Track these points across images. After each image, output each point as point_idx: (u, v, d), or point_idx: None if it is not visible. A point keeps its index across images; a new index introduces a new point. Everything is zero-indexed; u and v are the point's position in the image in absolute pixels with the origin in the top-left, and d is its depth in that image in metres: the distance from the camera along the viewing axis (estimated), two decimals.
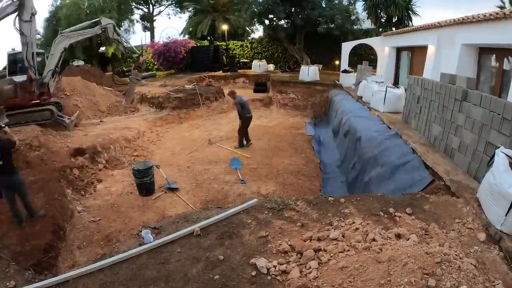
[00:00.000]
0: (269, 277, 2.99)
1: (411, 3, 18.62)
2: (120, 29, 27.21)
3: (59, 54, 10.19)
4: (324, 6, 19.84)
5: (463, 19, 7.70)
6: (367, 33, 20.08)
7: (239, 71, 22.07)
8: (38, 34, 27.75)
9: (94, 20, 10.74)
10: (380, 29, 18.67)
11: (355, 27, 20.67)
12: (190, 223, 3.96)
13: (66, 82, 13.92)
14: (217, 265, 3.15)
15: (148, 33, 32.73)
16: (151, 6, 32.15)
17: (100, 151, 9.39)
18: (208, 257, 3.24)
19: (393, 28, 17.70)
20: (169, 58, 22.78)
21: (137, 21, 31.69)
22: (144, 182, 7.33)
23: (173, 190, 7.61)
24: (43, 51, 13.17)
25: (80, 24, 10.91)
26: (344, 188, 7.98)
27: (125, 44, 11.78)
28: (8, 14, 9.03)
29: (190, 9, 29.40)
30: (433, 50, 9.59)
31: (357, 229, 3.60)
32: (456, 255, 2.97)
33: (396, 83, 12.99)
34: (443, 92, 6.04)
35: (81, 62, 23.50)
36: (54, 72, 10.36)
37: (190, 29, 28.15)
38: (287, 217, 3.99)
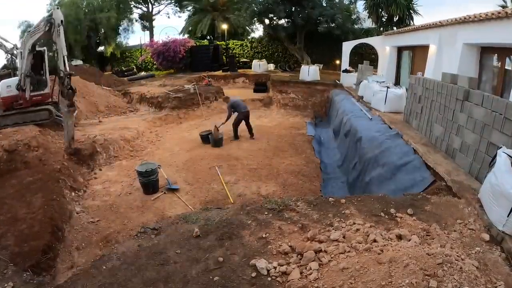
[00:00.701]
0: (269, 279, 2.99)
1: (412, 2, 18.61)
2: (118, 28, 27.38)
3: (27, 55, 9.45)
4: (325, 5, 19.85)
5: (465, 18, 7.71)
6: (368, 33, 20.08)
7: (239, 70, 22.08)
8: None
9: (46, 15, 8.86)
10: (381, 29, 18.67)
11: (355, 26, 20.69)
12: (189, 224, 3.96)
13: None
14: (217, 266, 3.15)
15: (147, 33, 32.75)
16: (150, 5, 32.15)
17: (99, 151, 9.40)
18: (207, 258, 3.24)
19: (394, 28, 17.69)
20: (169, 58, 22.79)
21: (136, 20, 31.70)
22: (151, 180, 7.45)
23: (173, 190, 7.62)
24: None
25: (40, 19, 9.24)
26: (344, 189, 7.98)
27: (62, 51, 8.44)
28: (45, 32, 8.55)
29: (189, 8, 29.42)
30: (434, 49, 9.59)
31: (358, 230, 3.60)
32: (457, 256, 2.97)
33: (397, 83, 13.00)
34: (445, 92, 6.05)
35: (79, 62, 23.52)
36: (26, 75, 9.62)
37: (190, 28, 28.15)
38: (287, 218, 3.99)
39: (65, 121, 8.44)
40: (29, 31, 9.61)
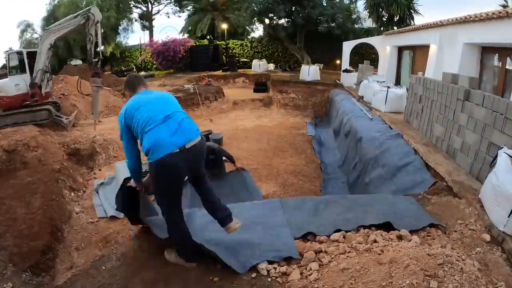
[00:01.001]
0: (269, 279, 2.99)
1: (413, 2, 18.64)
2: (118, 28, 27.43)
3: (46, 52, 9.94)
4: (325, 5, 19.86)
5: (466, 18, 7.71)
6: (368, 32, 20.09)
7: (239, 70, 22.09)
8: (36, 33, 27.81)
9: (82, 11, 9.84)
10: (382, 28, 18.69)
11: (356, 26, 20.72)
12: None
13: (63, 81, 13.92)
14: (217, 267, 3.15)
15: (147, 32, 32.77)
16: (149, 5, 32.16)
17: (98, 151, 9.40)
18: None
19: (395, 27, 17.71)
20: (168, 58, 22.80)
21: (136, 20, 31.72)
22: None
23: None
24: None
25: (65, 17, 10.35)
26: (345, 189, 7.99)
27: (96, 46, 10.06)
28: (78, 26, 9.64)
29: (189, 7, 29.42)
30: (435, 49, 9.59)
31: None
32: (458, 256, 2.97)
33: (397, 83, 13.00)
34: (445, 92, 6.05)
35: (79, 61, 23.51)
36: (44, 71, 10.17)
37: (189, 28, 28.16)
38: None
39: (95, 95, 10.30)
40: (46, 29, 10.11)
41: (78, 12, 9.78)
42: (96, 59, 9.95)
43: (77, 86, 11.47)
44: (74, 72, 18.35)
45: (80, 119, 12.54)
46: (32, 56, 10.35)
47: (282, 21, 21.56)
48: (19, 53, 10.33)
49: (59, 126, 10.44)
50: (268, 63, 22.60)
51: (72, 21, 9.73)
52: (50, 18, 26.31)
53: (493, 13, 6.64)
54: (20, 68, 10.23)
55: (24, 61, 10.21)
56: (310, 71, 17.40)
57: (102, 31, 26.03)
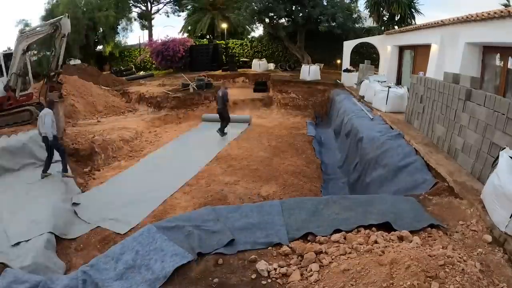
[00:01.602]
0: (269, 280, 2.99)
1: (414, 1, 18.62)
2: (117, 27, 27.38)
3: (20, 56, 9.75)
4: (326, 4, 19.83)
5: (467, 17, 7.71)
6: (369, 32, 20.07)
7: (238, 70, 22.07)
8: None
9: (54, 19, 9.73)
10: (383, 28, 18.68)
11: (357, 25, 20.66)
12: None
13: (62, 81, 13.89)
14: (217, 268, 3.15)
15: (146, 32, 32.73)
16: (149, 4, 32.12)
17: (97, 152, 9.41)
18: (207, 260, 3.24)
19: (396, 27, 17.70)
20: (168, 57, 22.77)
21: (135, 19, 31.66)
22: None
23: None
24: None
25: (40, 23, 10.50)
26: (345, 189, 7.99)
27: (58, 60, 9.68)
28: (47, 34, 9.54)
29: (188, 7, 29.37)
30: (436, 49, 9.59)
31: (358, 231, 3.60)
32: (459, 257, 2.97)
33: (398, 83, 13.00)
34: (447, 92, 6.05)
35: (77, 61, 23.49)
36: (17, 75, 9.95)
37: (189, 27, 28.12)
38: None
39: (56, 112, 9.05)
40: (23, 33, 9.89)
41: (50, 20, 9.73)
42: (54, 73, 9.69)
43: (39, 94, 10.93)
44: (73, 72, 18.36)
45: (78, 119, 12.56)
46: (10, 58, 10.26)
47: (282, 20, 21.56)
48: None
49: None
50: (268, 62, 22.58)
51: (43, 29, 9.68)
52: (49, 17, 26.26)
53: (495, 13, 6.63)
54: None
55: (0, 63, 10.05)
56: (310, 71, 17.40)
57: (101, 30, 26.12)
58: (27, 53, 10.23)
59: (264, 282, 2.97)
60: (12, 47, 10.95)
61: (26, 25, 27.34)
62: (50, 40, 9.59)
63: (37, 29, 9.88)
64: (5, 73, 10.13)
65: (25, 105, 10.55)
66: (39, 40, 10.09)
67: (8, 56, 10.31)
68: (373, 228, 3.61)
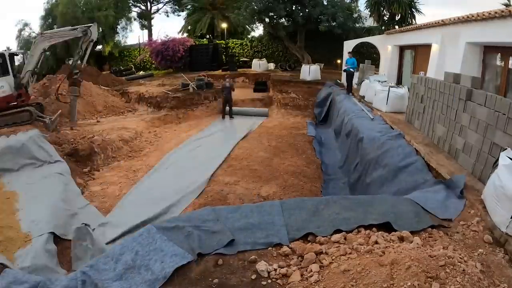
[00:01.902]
0: (269, 281, 2.99)
1: (414, 1, 18.63)
2: (117, 27, 27.40)
3: (39, 55, 10.17)
4: (326, 3, 19.84)
5: (468, 17, 7.71)
6: (369, 32, 20.08)
7: (238, 70, 22.09)
8: (34, 32, 27.79)
9: (83, 26, 10.58)
10: (383, 27, 18.69)
11: (357, 25, 20.68)
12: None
13: (62, 81, 13.87)
14: (216, 269, 3.15)
15: (145, 31, 32.75)
16: (148, 4, 32.14)
17: (97, 152, 9.41)
18: (207, 261, 3.24)
19: (396, 26, 17.71)
20: (167, 57, 22.78)
21: (135, 19, 31.67)
22: None
23: None
24: (22, 51, 13.15)
25: (63, 28, 11.20)
26: (345, 190, 7.99)
27: (82, 61, 11.02)
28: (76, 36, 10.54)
29: (188, 7, 29.39)
30: (437, 48, 9.60)
31: (359, 231, 3.60)
32: (460, 258, 2.97)
33: (399, 83, 13.00)
34: (447, 92, 6.05)
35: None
36: (33, 73, 10.45)
37: (189, 27, 28.13)
38: None
39: (73, 103, 11.06)
40: (42, 34, 10.48)
41: (78, 26, 10.51)
42: (78, 71, 10.80)
43: (55, 94, 11.97)
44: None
45: (78, 119, 12.55)
46: (13, 58, 10.56)
47: (283, 20, 21.55)
48: (1, 55, 10.22)
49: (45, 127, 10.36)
50: (268, 62, 22.60)
51: (71, 33, 10.45)
52: (48, 17, 26.29)
53: (496, 12, 6.63)
54: (2, 71, 10.13)
55: (6, 63, 10.15)
56: (310, 71, 17.41)
57: (101, 30, 26.14)
58: (46, 53, 10.88)
59: (264, 283, 2.97)
60: (12, 47, 11.13)
61: (25, 24, 27.34)
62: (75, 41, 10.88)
63: (62, 32, 10.58)
64: (11, 72, 10.24)
65: (30, 104, 10.73)
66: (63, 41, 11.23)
67: (11, 56, 10.50)
68: (374, 229, 3.61)
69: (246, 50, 25.94)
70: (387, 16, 19.32)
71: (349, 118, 10.07)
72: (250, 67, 22.41)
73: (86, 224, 5.05)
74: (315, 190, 7.84)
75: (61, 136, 9.78)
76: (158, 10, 33.20)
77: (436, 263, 2.76)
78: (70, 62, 22.99)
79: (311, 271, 3.02)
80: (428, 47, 10.25)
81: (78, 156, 9.05)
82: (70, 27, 10.83)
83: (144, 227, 3.77)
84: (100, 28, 25.83)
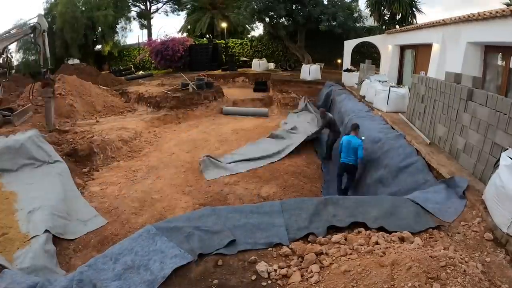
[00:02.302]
0: (269, 282, 2.99)
1: (415, 0, 18.64)
2: (116, 27, 27.42)
3: None
4: (326, 3, 19.85)
5: (469, 16, 7.71)
6: (370, 31, 20.09)
7: (238, 69, 22.11)
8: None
9: (29, 20, 10.00)
10: (384, 27, 18.70)
11: (357, 24, 20.68)
12: None
13: (61, 81, 13.91)
14: (216, 269, 3.15)
15: (145, 31, 32.77)
16: (148, 3, 32.16)
17: (96, 152, 9.41)
18: (206, 261, 3.24)
19: (397, 26, 17.72)
20: (167, 57, 22.80)
21: (134, 19, 31.68)
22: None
23: None
24: None
25: (15, 24, 10.58)
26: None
27: (45, 56, 9.97)
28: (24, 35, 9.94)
29: (188, 6, 29.42)
30: (437, 48, 9.60)
31: (359, 232, 3.60)
32: (461, 258, 2.97)
33: (399, 82, 13.01)
34: (448, 92, 6.05)
35: (76, 61, 23.49)
36: None
37: (188, 27, 28.16)
38: None
39: (47, 106, 10.17)
40: None
41: (26, 23, 9.97)
42: (45, 69, 10.01)
43: (28, 94, 11.34)
44: (72, 71, 18.38)
45: (77, 119, 12.56)
46: None
47: (283, 19, 21.56)
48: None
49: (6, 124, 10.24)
50: (268, 62, 22.61)
51: (19, 32, 9.87)
52: (48, 16, 26.29)
53: (497, 12, 6.63)
54: None
55: None
56: (311, 71, 17.41)
57: (100, 29, 26.17)
58: (2, 56, 10.41)
59: (264, 284, 2.97)
60: (10, 47, 10.96)
61: (25, 24, 27.38)
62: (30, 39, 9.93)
63: (12, 31, 9.92)
64: None
65: None
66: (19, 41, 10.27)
67: None
68: (374, 229, 3.62)
69: (246, 50, 25.95)
70: (388, 15, 19.34)
71: (349, 118, 10.07)
72: (250, 67, 22.42)
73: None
74: (315, 190, 7.84)
75: (61, 136, 9.79)
76: (157, 9, 33.23)
77: (437, 264, 2.76)
78: (70, 61, 23.13)
79: (312, 271, 3.02)
80: (429, 46, 10.25)
81: (77, 156, 9.04)
82: (21, 23, 10.28)
83: (144, 228, 3.78)
84: (100, 27, 25.90)
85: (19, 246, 5.28)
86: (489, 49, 7.75)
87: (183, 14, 31.05)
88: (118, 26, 27.84)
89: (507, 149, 3.96)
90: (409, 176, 5.73)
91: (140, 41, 29.59)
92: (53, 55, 24.44)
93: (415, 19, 18.65)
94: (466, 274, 2.71)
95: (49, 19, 25.96)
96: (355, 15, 20.36)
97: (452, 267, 2.74)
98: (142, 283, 2.97)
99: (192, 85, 15.91)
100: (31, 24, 9.59)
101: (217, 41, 26.08)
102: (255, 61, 22.08)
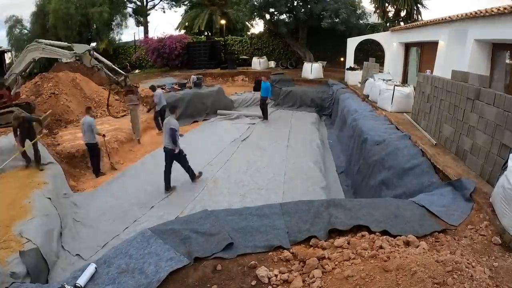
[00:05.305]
0: (270, 287, 2.99)
1: None
2: (111, 24, 27.46)
3: (27, 63, 9.89)
4: None
5: (476, 13, 7.72)
6: (373, 28, 20.15)
7: (238, 68, 22.14)
8: (25, 29, 27.82)
9: (74, 52, 9.93)
10: (388, 24, 18.74)
11: (361, 21, 20.71)
12: None
13: (53, 80, 13.89)
14: (215, 274, 3.15)
15: (141, 28, 32.83)
16: (144, 0, 32.23)
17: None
18: (205, 266, 3.24)
19: (402, 23, 17.76)
20: (164, 55, 22.83)
21: (130, 15, 31.73)
22: None
23: None
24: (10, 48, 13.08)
25: (59, 42, 10.65)
26: (349, 192, 7.99)
27: (109, 68, 10.54)
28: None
29: (186, 2, 29.49)
30: (443, 46, 9.61)
31: (363, 235, 3.60)
32: (468, 263, 2.97)
33: (404, 81, 13.02)
34: (455, 91, 6.06)
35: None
36: (18, 76, 10.14)
37: (186, 24, 28.23)
38: None
39: (133, 114, 10.64)
40: (39, 41, 9.88)
41: (71, 52, 9.85)
42: (122, 77, 10.28)
43: (107, 109, 11.69)
44: (66, 70, 18.33)
45: (72, 119, 12.54)
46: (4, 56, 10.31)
47: (284, 16, 21.61)
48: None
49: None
50: (268, 60, 22.66)
51: (66, 54, 9.80)
52: (40, 13, 26.31)
53: (505, 8, 6.65)
54: None
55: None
56: (312, 69, 17.45)
57: (95, 26, 26.21)
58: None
59: None
60: (2, 45, 11.02)
61: (17, 21, 27.39)
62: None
63: (55, 49, 9.91)
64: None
65: (18, 104, 10.58)
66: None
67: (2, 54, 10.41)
68: (378, 233, 3.62)
69: (245, 48, 25.99)
70: (392, 12, 19.36)
71: (352, 118, 10.08)
72: (250, 65, 22.45)
73: None
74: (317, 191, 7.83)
75: (55, 138, 9.79)
76: (154, 6, 33.27)
77: (443, 269, 2.76)
78: (63, 60, 23.13)
79: (313, 277, 3.02)
80: (434, 44, 10.27)
81: (71, 158, 9.05)
82: (66, 44, 10.27)
83: (139, 231, 3.78)
84: (94, 24, 25.94)
85: (12, 251, 5.28)
86: (497, 47, 7.76)
87: (180, 11, 31.13)
88: (114, 23, 27.91)
89: None
90: (414, 178, 5.74)
91: (136, 38, 29.65)
92: None
93: (421, 16, 18.68)
94: (473, 279, 2.71)
95: (42, 17, 26.02)
96: (359, 11, 20.40)
97: (459, 272, 2.74)
98: (137, 287, 2.97)
99: (190, 84, 15.93)
100: (78, 56, 9.71)
101: (215, 38, 26.11)
102: (255, 60, 22.12)
